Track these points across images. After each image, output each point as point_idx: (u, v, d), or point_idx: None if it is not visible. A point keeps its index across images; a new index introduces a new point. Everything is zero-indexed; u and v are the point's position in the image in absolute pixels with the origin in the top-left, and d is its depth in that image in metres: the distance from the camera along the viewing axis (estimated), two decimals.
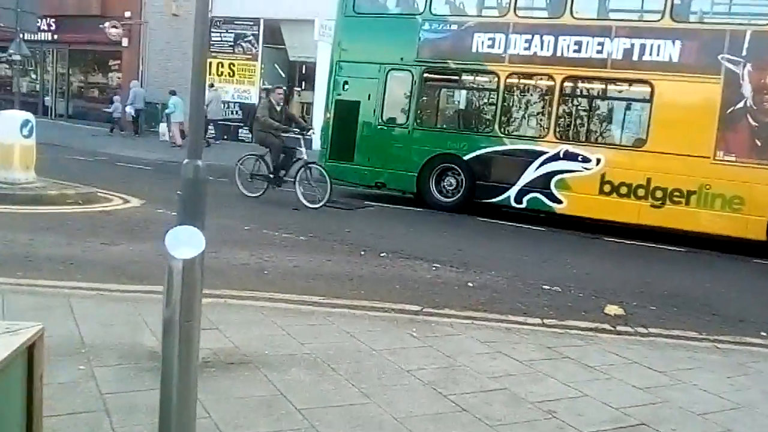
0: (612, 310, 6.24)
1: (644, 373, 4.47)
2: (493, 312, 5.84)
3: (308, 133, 11.71)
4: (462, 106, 13.00)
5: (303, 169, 11.10)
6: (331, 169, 12.81)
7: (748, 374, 4.70)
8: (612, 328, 5.69)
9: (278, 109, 11.44)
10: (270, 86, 11.81)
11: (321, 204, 10.72)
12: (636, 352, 4.93)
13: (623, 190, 10.73)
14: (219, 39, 22.66)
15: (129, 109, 22.33)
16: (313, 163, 11.38)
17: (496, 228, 10.94)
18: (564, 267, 8.18)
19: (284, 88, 11.70)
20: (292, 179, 11.22)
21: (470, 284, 6.79)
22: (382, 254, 7.82)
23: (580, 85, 11.61)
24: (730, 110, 10.00)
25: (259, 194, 11.41)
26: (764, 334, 5.97)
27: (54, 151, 15.38)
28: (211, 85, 21.03)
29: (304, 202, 10.89)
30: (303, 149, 11.27)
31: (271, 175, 11.39)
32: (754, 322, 6.32)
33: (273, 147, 11.37)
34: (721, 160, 10.08)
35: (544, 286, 6.96)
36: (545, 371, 4.29)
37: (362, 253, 7.81)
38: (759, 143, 9.88)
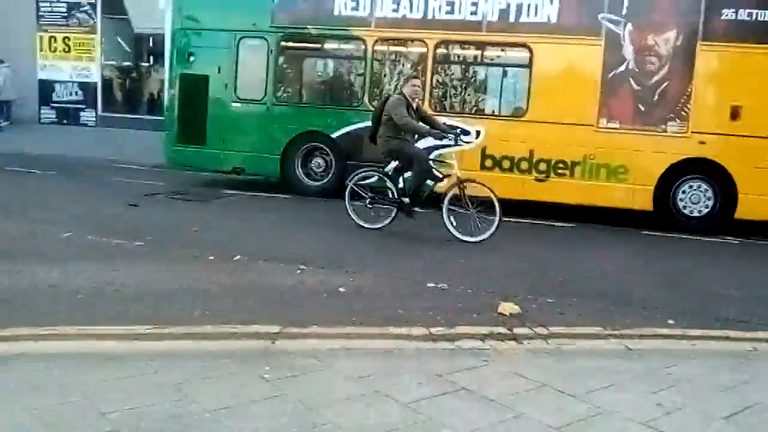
0: (506, 308, 5.45)
1: (558, 403, 3.64)
2: (370, 325, 4.90)
3: (464, 138, 8.96)
4: (327, 77, 11.92)
5: (455, 187, 8.16)
6: (180, 155, 11.67)
7: (672, 386, 3.99)
8: (509, 332, 4.91)
9: (414, 106, 8.42)
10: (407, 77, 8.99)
11: (488, 235, 7.89)
12: (543, 371, 4.12)
13: (506, 163, 10.09)
14: (49, 9, 20.21)
15: None
16: (472, 180, 8.27)
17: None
18: (450, 257, 7.36)
19: (420, 78, 9.09)
20: (440, 202, 8.30)
21: (342, 289, 5.81)
22: (236, 258, 6.69)
23: (454, 50, 10.82)
24: (612, 74, 9.53)
25: (383, 225, 8.42)
26: (672, 321, 5.39)
27: None
28: (1, 61, 18.96)
29: (456, 233, 8.07)
30: (455, 162, 8.39)
31: (405, 199, 8.33)
32: (658, 307, 5.75)
33: (416, 159, 8.37)
34: (604, 128, 9.61)
35: (428, 284, 6.10)
36: (438, 417, 3.35)
37: (211, 258, 6.64)
38: (642, 108, 9.46)
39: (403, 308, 5.37)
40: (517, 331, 4.96)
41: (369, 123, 10.53)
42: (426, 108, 10.08)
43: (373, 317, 5.10)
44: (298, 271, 6.30)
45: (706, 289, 6.54)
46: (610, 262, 7.56)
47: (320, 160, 11.13)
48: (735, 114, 9.09)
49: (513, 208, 10.13)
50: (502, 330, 4.96)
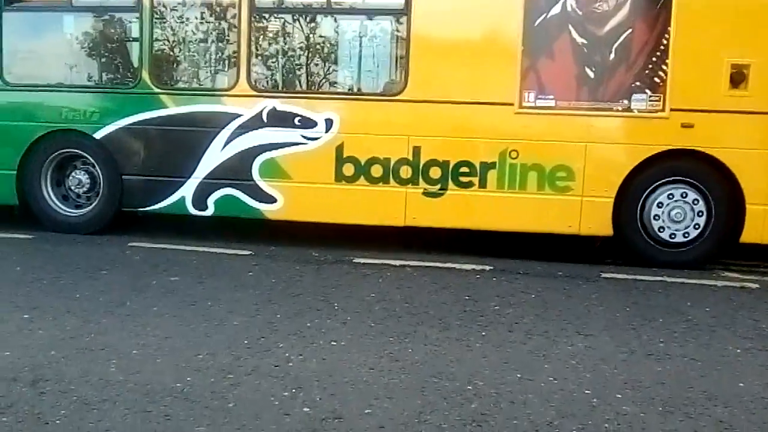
0: None
1: None
2: None
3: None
4: (83, 44, 7.88)
5: None
6: None
7: None
8: None
9: None
10: None
11: None
12: None
13: (376, 170, 6.61)
14: None
15: None
16: None
17: (162, 263, 6.14)
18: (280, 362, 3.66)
19: None
20: None
21: None
22: None
23: None
24: (538, 22, 6.25)
25: None
26: None
27: None
28: None
29: None
30: None
31: None
32: None
33: None
34: (531, 108, 6.29)
35: None
36: None
37: None
38: (590, 74, 6.21)
39: None
40: None
41: (152, 113, 6.89)
42: (245, 86, 6.57)
43: None
44: None
45: None
46: (595, 377, 4.08)
47: (81, 175, 7.36)
48: (738, 78, 6.00)
49: (390, 239, 6.74)
50: None
